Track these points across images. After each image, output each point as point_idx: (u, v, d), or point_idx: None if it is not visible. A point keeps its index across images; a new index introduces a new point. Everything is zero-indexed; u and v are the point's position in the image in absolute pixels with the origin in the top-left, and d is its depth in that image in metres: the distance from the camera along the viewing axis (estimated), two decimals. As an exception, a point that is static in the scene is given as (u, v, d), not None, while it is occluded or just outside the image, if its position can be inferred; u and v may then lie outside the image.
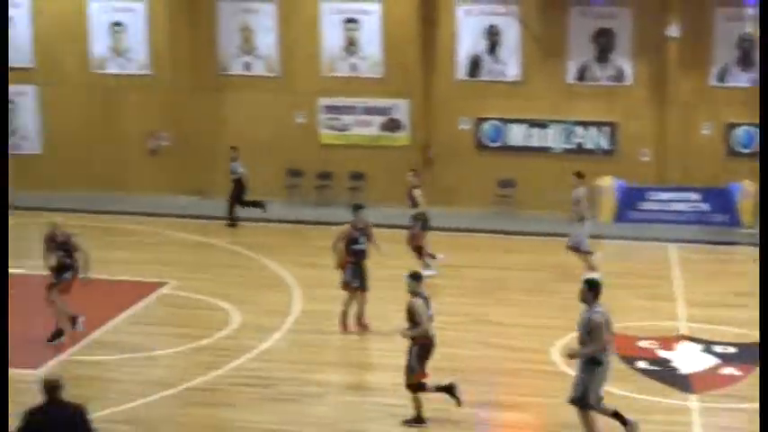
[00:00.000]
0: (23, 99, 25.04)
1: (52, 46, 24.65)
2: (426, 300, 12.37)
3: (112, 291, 17.68)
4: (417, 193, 18.55)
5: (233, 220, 21.99)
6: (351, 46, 23.79)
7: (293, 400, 13.06)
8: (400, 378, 13.96)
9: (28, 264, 18.96)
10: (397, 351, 14.97)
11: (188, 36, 24.24)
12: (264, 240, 20.80)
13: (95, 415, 9.27)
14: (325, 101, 23.91)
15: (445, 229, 21.72)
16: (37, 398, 8.82)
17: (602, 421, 11.61)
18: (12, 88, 24.92)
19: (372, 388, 13.60)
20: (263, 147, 23.84)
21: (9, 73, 24.66)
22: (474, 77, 23.43)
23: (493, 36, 23.27)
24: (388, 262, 18.76)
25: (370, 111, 23.80)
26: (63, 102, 24.73)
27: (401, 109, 23.71)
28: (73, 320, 15.35)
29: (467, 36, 23.34)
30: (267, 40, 24.07)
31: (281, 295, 17.31)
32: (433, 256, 18.62)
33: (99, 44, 24.55)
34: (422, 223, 18.61)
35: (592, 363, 11.43)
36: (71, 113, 24.75)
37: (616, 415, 11.78)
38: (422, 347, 12.25)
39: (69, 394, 8.91)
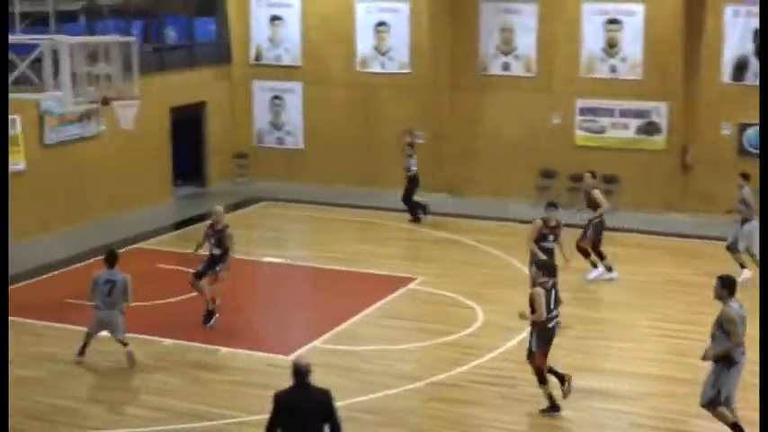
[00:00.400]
0: (291, 96, 26.11)
1: (319, 45, 25.60)
2: (550, 289, 12.72)
3: (365, 283, 18.28)
4: (597, 193, 18.22)
5: (415, 215, 22.39)
6: (611, 47, 23.42)
7: (534, 401, 13.04)
8: (645, 387, 13.75)
9: (286, 254, 19.95)
10: (644, 359, 14.78)
11: (449, 36, 24.60)
12: (511, 240, 20.79)
13: (340, 403, 9.63)
14: (582, 102, 23.69)
15: (700, 237, 21.04)
16: (287, 382, 9.30)
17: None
18: (281, 85, 26.21)
19: (616, 395, 13.40)
20: (518, 147, 23.92)
21: (280, 70, 26.04)
22: (739, 81, 22.54)
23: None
24: (626, 267, 18.45)
25: (626, 113, 23.35)
26: (326, 99, 25.61)
27: (660, 112, 23.13)
28: (210, 311, 15.78)
29: (734, 38, 22.49)
30: (526, 40, 24.07)
31: (526, 296, 17.21)
32: (605, 260, 18.36)
33: (363, 44, 25.32)
34: (594, 227, 18.15)
35: (725, 362, 11.14)
36: (333, 111, 25.62)
37: (735, 426, 11.41)
38: (540, 332, 12.70)
39: (316, 380, 9.32)
